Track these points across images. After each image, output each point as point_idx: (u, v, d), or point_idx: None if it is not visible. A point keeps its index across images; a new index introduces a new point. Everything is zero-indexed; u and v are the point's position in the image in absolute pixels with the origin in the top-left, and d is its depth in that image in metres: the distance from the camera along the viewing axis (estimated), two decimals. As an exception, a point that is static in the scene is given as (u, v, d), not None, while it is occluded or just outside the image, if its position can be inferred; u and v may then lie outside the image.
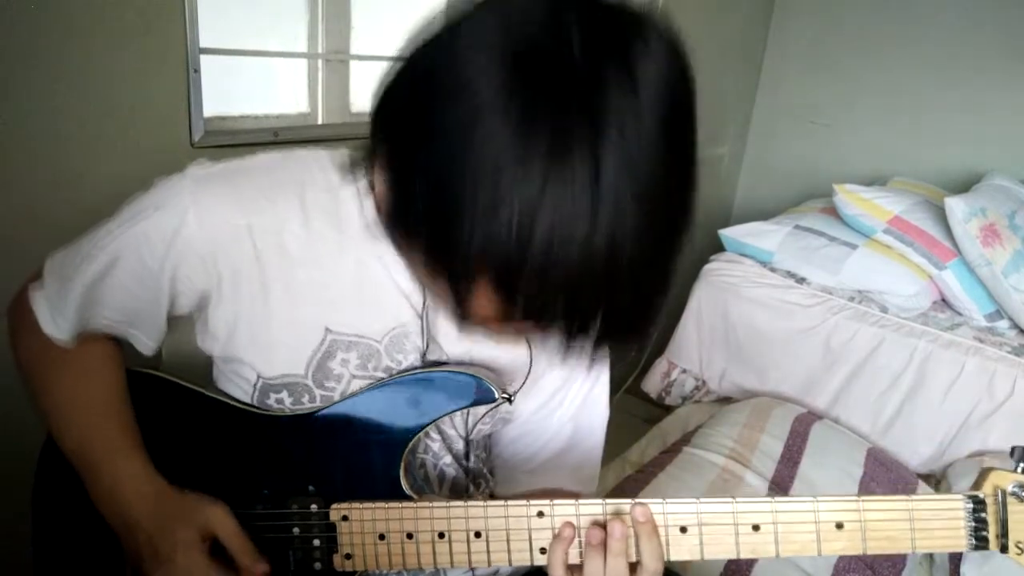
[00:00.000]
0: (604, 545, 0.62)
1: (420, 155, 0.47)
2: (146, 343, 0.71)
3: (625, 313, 0.49)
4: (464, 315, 0.52)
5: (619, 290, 0.47)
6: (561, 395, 0.79)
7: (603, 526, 0.63)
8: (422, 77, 0.49)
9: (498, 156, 0.44)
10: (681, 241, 0.49)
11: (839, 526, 0.60)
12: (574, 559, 0.63)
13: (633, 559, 0.63)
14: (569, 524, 0.63)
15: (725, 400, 2.08)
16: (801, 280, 2.03)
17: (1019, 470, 0.60)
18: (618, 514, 0.63)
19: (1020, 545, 0.60)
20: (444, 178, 0.46)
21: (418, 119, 0.48)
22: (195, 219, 0.62)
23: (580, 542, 0.63)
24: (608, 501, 0.62)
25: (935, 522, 0.60)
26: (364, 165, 0.58)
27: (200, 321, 0.69)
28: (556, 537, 0.63)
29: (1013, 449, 0.60)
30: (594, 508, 0.62)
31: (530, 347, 0.73)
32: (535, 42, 0.45)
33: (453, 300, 0.52)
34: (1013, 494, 0.60)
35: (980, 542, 0.60)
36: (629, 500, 0.62)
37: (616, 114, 0.44)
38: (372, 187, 0.58)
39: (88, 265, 0.66)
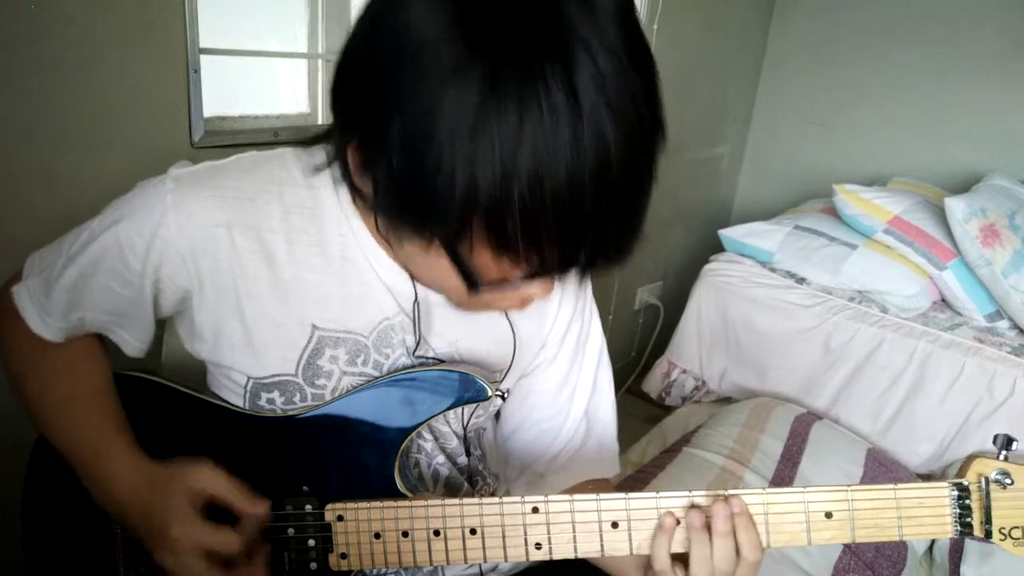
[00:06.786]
0: (708, 528, 0.60)
1: (390, 124, 0.47)
2: (133, 344, 0.71)
3: (619, 228, 0.50)
4: (471, 281, 0.52)
5: (610, 208, 0.48)
6: (568, 392, 0.80)
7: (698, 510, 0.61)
8: (373, 48, 0.49)
9: (468, 102, 0.44)
10: (657, 148, 0.50)
11: (828, 515, 0.61)
12: (676, 547, 0.61)
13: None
14: (670, 514, 0.61)
15: (725, 400, 2.08)
16: (801, 280, 2.03)
17: (1002, 457, 0.61)
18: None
19: (1004, 531, 0.60)
20: (418, 139, 0.46)
21: (379, 88, 0.48)
22: (175, 219, 0.62)
23: (574, 536, 0.62)
24: (603, 496, 0.62)
25: (921, 510, 0.61)
26: (337, 155, 0.57)
27: (186, 324, 0.69)
28: (658, 528, 0.61)
29: (996, 437, 0.61)
30: (588, 504, 0.62)
31: (514, 337, 0.74)
32: None
33: (454, 266, 0.52)
34: (996, 481, 0.60)
35: (965, 528, 0.61)
36: (625, 495, 0.62)
37: (581, 34, 0.44)
38: (348, 176, 0.57)
39: (71, 267, 0.66)
